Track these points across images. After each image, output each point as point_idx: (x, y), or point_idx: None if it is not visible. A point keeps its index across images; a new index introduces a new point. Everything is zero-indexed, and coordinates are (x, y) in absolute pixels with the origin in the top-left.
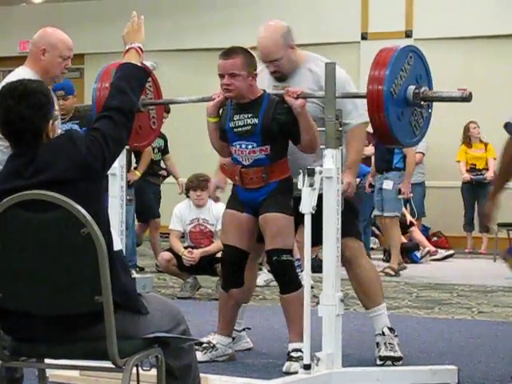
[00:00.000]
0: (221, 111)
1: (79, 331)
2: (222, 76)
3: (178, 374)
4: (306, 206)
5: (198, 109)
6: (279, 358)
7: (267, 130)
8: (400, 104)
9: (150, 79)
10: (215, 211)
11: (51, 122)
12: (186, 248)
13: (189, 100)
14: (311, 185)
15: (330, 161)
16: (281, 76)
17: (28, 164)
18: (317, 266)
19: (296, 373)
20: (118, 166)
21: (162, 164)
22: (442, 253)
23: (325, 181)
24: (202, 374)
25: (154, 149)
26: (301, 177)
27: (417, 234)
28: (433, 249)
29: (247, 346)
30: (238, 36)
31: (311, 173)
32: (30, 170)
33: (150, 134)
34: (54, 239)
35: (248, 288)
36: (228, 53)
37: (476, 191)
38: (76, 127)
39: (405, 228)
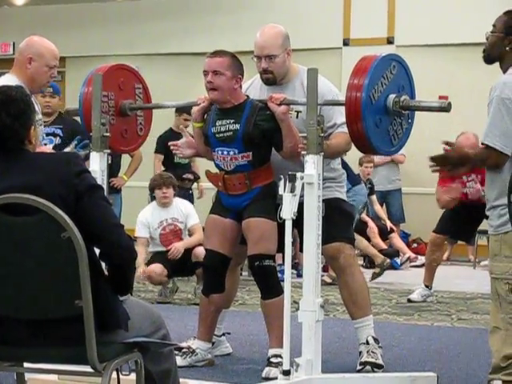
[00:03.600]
0: (206, 116)
1: (58, 335)
2: (206, 74)
3: (157, 379)
4: (287, 212)
5: None
6: (259, 363)
7: (249, 137)
8: (379, 111)
9: (140, 85)
10: (183, 208)
11: (33, 128)
12: (156, 254)
13: (175, 105)
14: (292, 190)
15: (312, 167)
16: (271, 78)
17: (10, 169)
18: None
19: (275, 378)
20: (98, 170)
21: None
22: (422, 259)
23: (306, 187)
24: (181, 379)
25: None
26: (282, 182)
27: (397, 240)
28: (413, 255)
29: (227, 351)
30: (220, 40)
31: (292, 178)
32: (12, 174)
33: (136, 139)
34: (35, 243)
35: (229, 293)
36: (216, 52)
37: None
38: (59, 132)
39: (385, 234)
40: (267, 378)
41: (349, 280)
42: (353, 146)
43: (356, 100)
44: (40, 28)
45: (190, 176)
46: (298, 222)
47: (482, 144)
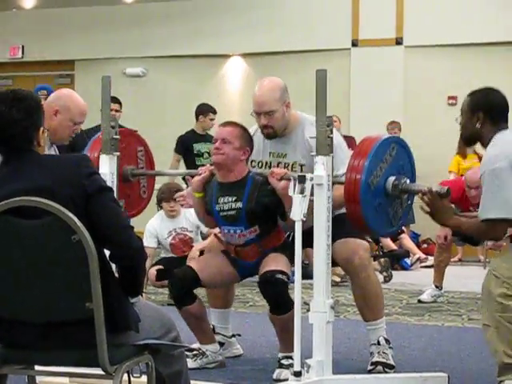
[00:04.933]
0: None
1: (70, 338)
2: (215, 141)
3: (168, 381)
4: (297, 213)
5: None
6: (270, 364)
7: (252, 214)
8: (378, 195)
9: (141, 147)
10: (192, 218)
11: (41, 129)
12: (163, 259)
13: (176, 173)
14: (302, 191)
15: (321, 168)
16: (272, 133)
17: (19, 170)
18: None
19: (286, 380)
20: (108, 173)
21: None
22: (432, 260)
23: (315, 188)
24: (192, 381)
25: (203, 153)
26: (292, 184)
27: (407, 241)
28: (423, 256)
29: (237, 353)
30: (228, 43)
31: (302, 180)
32: (22, 176)
33: (139, 203)
34: (45, 246)
35: (225, 295)
36: (228, 122)
37: None
38: None
39: (395, 235)
40: (278, 380)
41: (363, 283)
42: None
43: (355, 183)
44: (49, 31)
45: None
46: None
47: (483, 220)
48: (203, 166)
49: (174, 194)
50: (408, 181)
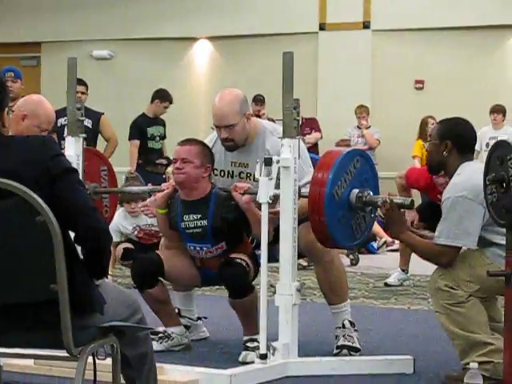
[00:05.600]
0: (169, 203)
1: (33, 320)
2: (175, 161)
3: (133, 363)
4: (263, 196)
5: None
6: (235, 347)
7: (218, 232)
8: (342, 207)
9: (105, 167)
10: None
11: (6, 110)
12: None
13: (140, 190)
14: (268, 174)
15: (288, 150)
16: (233, 145)
17: None
18: None
19: (252, 362)
20: (73, 155)
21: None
22: (399, 243)
23: (282, 170)
24: (157, 364)
25: (155, 137)
26: (258, 166)
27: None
28: (389, 239)
29: (203, 336)
30: (196, 26)
31: (268, 162)
32: None
33: None
34: (8, 227)
35: (180, 278)
36: (186, 140)
37: None
38: None
39: None
40: (244, 362)
41: (327, 267)
42: (326, 129)
43: (320, 195)
44: (15, 13)
45: (164, 161)
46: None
47: (438, 244)
48: (155, 150)
49: (134, 195)
50: (371, 193)
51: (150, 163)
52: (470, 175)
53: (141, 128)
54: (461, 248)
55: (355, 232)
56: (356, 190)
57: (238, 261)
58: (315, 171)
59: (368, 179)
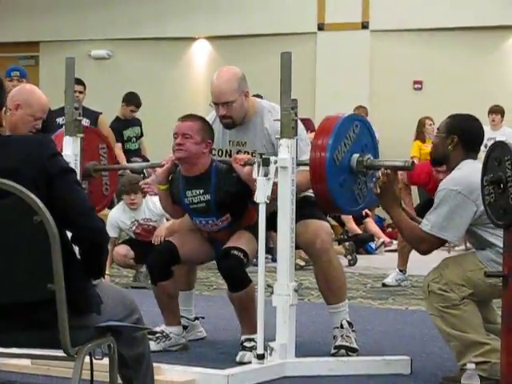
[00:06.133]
0: (170, 178)
1: (31, 319)
2: (176, 136)
3: (130, 363)
4: (261, 196)
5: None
6: (233, 347)
7: (222, 204)
8: (343, 171)
9: (103, 145)
10: (155, 207)
11: (3, 110)
12: (130, 239)
13: (139, 166)
14: (266, 174)
15: (285, 150)
16: (231, 123)
17: None
18: None
19: (249, 362)
20: (71, 154)
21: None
22: (397, 244)
23: (280, 171)
24: (155, 364)
25: (131, 138)
26: (256, 166)
27: (371, 225)
28: (387, 240)
29: (201, 336)
30: (194, 25)
31: (266, 163)
32: None
33: (101, 200)
34: (6, 227)
35: (187, 276)
36: (187, 116)
37: None
38: None
39: (359, 219)
40: (241, 362)
41: (325, 266)
42: None
43: (320, 161)
44: (13, 13)
45: (138, 159)
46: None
47: (424, 232)
48: (131, 150)
49: (134, 186)
50: (372, 157)
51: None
52: (468, 172)
53: (118, 131)
54: (444, 241)
55: (357, 197)
56: (356, 155)
57: (235, 252)
58: (315, 137)
59: (368, 145)
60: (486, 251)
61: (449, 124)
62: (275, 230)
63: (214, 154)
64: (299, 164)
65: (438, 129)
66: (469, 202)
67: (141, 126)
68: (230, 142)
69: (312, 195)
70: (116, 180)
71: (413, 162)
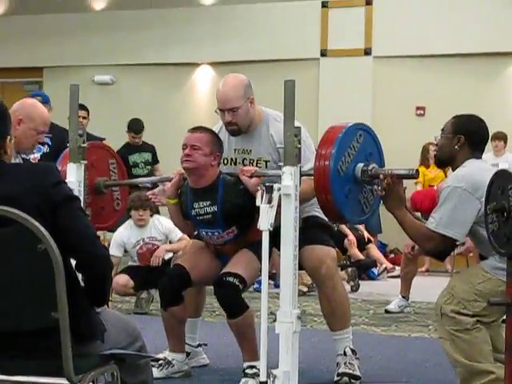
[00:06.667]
0: (179, 192)
1: (34, 347)
2: (185, 147)
3: None
4: (264, 223)
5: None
6: (235, 374)
7: (228, 216)
8: (348, 182)
9: (113, 160)
10: (161, 226)
11: (9, 138)
12: (129, 268)
13: (148, 180)
14: (269, 201)
15: (289, 178)
16: (237, 130)
17: None
18: None
19: None
20: (75, 181)
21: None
22: (399, 270)
23: (283, 198)
24: None
25: (138, 164)
26: (259, 194)
27: (374, 250)
28: (390, 266)
29: (203, 362)
30: (197, 52)
31: (269, 190)
32: None
33: (113, 215)
34: (10, 254)
35: (195, 302)
36: (197, 127)
37: None
38: (47, 140)
39: (362, 244)
40: None
41: (330, 293)
42: None
43: (324, 172)
44: (17, 38)
45: (148, 184)
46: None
47: (430, 230)
48: (140, 175)
49: (143, 202)
50: (376, 166)
51: (134, 188)
52: (473, 170)
53: (123, 157)
54: (451, 241)
55: (363, 206)
56: (361, 164)
57: (230, 279)
58: (318, 148)
59: (373, 153)
60: (489, 260)
61: (455, 124)
62: (277, 247)
63: (220, 163)
64: (304, 174)
65: (442, 130)
66: (473, 199)
67: (153, 153)
68: (235, 150)
69: (319, 215)
70: (127, 195)
71: (417, 170)
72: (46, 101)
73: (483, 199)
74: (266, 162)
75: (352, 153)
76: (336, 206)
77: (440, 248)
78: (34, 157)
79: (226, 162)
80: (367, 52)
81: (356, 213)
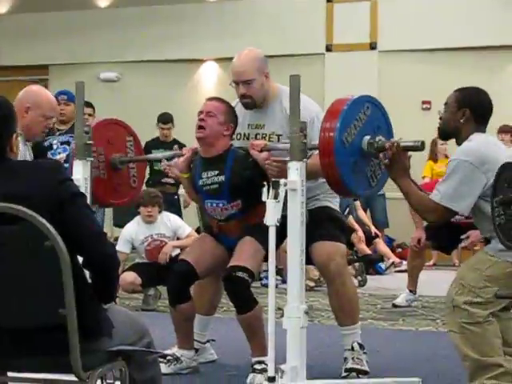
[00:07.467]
0: (192, 166)
1: (42, 344)
2: (200, 113)
3: None
4: (271, 219)
5: None
6: (243, 370)
7: (235, 188)
8: (353, 154)
9: (131, 137)
10: (169, 223)
11: (15, 135)
12: (137, 264)
13: (162, 156)
14: (276, 197)
15: (295, 173)
16: (251, 103)
17: None
18: None
19: None
20: (81, 178)
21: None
22: (406, 264)
23: (289, 193)
24: None
25: (160, 160)
26: (265, 189)
27: (381, 245)
28: (397, 260)
29: (211, 358)
30: (203, 48)
31: (276, 185)
32: None
33: (129, 192)
34: (17, 252)
35: (210, 300)
36: (215, 97)
37: None
38: (71, 140)
39: (369, 239)
40: None
41: (339, 289)
42: None
43: (329, 143)
44: (23, 36)
45: (170, 180)
46: (283, 229)
47: (434, 202)
48: (161, 171)
49: (152, 199)
50: (383, 139)
51: (156, 184)
52: (480, 144)
53: (147, 150)
54: (453, 213)
55: (370, 179)
56: (367, 137)
57: (240, 274)
58: (324, 120)
59: (381, 127)
60: (493, 243)
61: (459, 97)
62: (285, 237)
63: (233, 139)
64: (311, 148)
65: (445, 104)
66: (479, 173)
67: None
68: (248, 125)
69: (331, 206)
70: (144, 172)
71: (422, 141)
72: (71, 99)
73: (489, 174)
74: (279, 136)
75: (358, 125)
76: (341, 177)
77: (442, 219)
78: (60, 156)
79: (239, 137)
80: (373, 46)
81: (362, 186)
